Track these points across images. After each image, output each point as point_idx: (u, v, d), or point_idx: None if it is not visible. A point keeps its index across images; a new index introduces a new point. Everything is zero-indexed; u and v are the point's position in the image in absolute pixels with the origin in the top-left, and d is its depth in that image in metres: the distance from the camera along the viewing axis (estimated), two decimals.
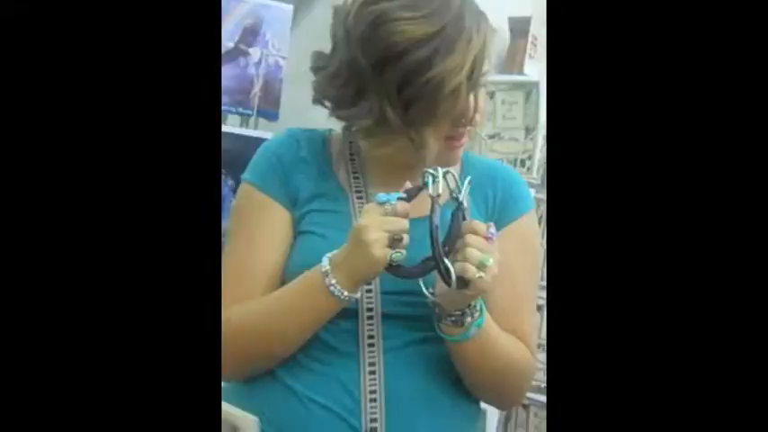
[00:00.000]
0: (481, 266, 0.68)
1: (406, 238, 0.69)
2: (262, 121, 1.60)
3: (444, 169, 0.72)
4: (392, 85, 0.71)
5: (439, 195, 0.70)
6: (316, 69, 0.77)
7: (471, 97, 0.74)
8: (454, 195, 0.72)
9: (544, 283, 0.89)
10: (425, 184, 0.71)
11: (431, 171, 0.72)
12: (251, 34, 1.58)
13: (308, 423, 0.73)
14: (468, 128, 0.77)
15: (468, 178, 0.73)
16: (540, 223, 1.23)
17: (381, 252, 0.68)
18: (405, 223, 0.69)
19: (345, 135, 0.81)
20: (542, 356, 1.16)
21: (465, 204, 0.72)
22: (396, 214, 0.69)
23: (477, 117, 0.77)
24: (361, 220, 0.70)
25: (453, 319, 0.72)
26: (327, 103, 0.77)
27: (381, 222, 0.69)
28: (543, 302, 1.24)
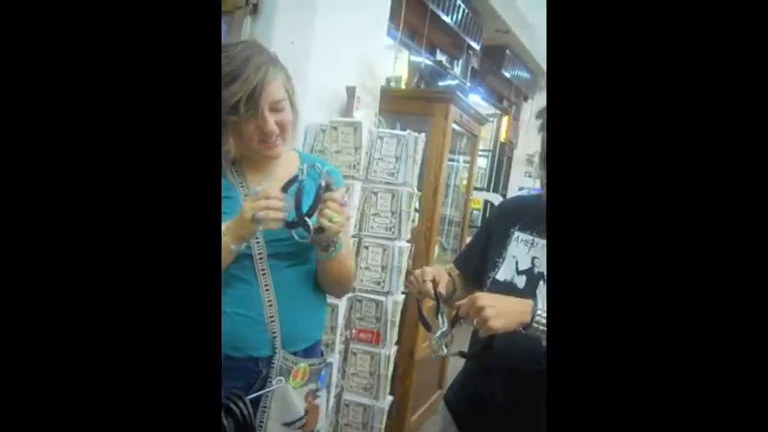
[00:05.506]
0: (331, 220, 1.12)
1: (266, 211, 1.08)
2: None
3: (309, 165, 1.16)
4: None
5: (302, 180, 1.14)
6: None
7: (269, 117, 1.14)
8: (318, 182, 1.12)
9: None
10: (296, 176, 1.14)
11: (300, 167, 1.15)
12: None
13: (235, 328, 1.18)
14: (278, 137, 1.17)
15: (311, 165, 1.16)
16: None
17: (251, 222, 1.08)
18: (266, 203, 1.09)
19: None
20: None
21: (323, 183, 1.12)
22: (260, 198, 1.09)
23: (273, 131, 1.14)
24: (243, 205, 1.12)
25: (324, 247, 1.20)
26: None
27: (252, 206, 1.09)
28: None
